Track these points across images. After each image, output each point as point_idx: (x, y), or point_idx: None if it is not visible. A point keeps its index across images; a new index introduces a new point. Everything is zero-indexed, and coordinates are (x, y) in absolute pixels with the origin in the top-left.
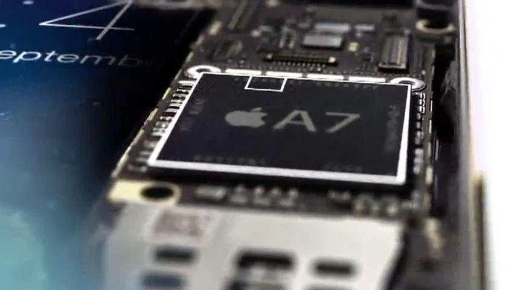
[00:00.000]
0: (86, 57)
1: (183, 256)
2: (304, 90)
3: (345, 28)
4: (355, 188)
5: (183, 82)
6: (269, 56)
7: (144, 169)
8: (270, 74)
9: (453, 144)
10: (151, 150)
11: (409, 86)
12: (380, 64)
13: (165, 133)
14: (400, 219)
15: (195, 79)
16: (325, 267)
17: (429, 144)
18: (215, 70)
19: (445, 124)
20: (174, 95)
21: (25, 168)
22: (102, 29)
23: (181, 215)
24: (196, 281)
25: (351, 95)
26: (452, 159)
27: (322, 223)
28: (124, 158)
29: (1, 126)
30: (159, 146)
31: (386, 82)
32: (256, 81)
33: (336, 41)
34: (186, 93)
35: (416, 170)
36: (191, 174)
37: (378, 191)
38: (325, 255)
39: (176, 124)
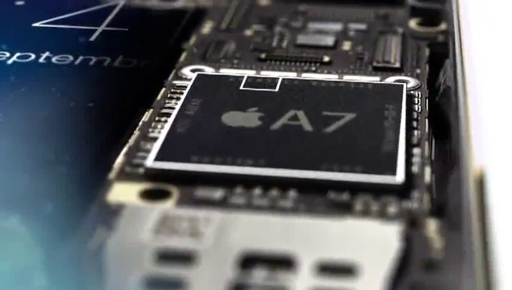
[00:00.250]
0: (81, 58)
1: (185, 258)
2: (300, 90)
3: (337, 26)
4: (355, 188)
5: (178, 82)
6: (263, 56)
7: (141, 170)
8: (265, 74)
9: (450, 142)
10: (148, 151)
11: (405, 84)
12: (375, 63)
13: (161, 134)
14: (400, 219)
15: (189, 79)
16: (328, 268)
17: (426, 143)
18: (209, 70)
19: (441, 122)
20: (168, 95)
21: (20, 170)
22: (95, 30)
23: (180, 217)
24: (198, 283)
25: (346, 94)
26: (449, 156)
27: (323, 224)
28: (120, 160)
29: None
30: (155, 147)
31: (380, 81)
32: (251, 81)
33: (329, 40)
34: (181, 93)
35: (415, 169)
36: (189, 176)
37: (378, 191)
38: (327, 256)
39: (172, 125)
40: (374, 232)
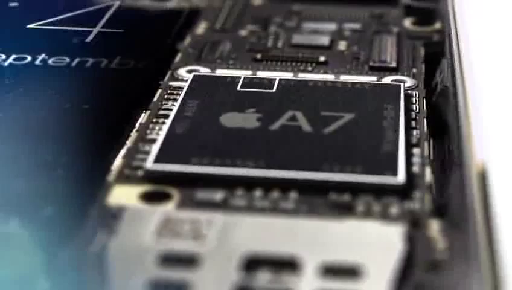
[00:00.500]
0: (77, 59)
1: (188, 261)
2: (297, 90)
3: (332, 26)
4: (356, 189)
5: (174, 83)
6: (258, 56)
7: (140, 173)
8: (261, 74)
9: (449, 141)
10: (147, 153)
11: (402, 84)
12: (371, 63)
13: (160, 135)
14: (402, 219)
15: (185, 80)
16: (332, 270)
17: (425, 143)
18: (205, 70)
19: (438, 122)
20: (165, 96)
21: (17, 173)
22: (91, 31)
23: (182, 220)
24: (202, 286)
25: (344, 94)
26: (448, 156)
27: (326, 225)
28: (119, 162)
29: None
30: (155, 149)
31: (377, 80)
32: (248, 82)
33: (325, 40)
34: (178, 94)
35: (415, 169)
36: (189, 177)
37: (379, 191)
38: (331, 257)
39: (171, 127)
40: (377, 233)
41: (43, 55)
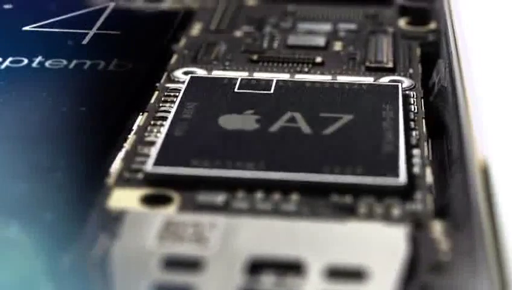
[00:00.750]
0: (75, 61)
1: (192, 265)
2: (295, 91)
3: (327, 27)
4: (357, 190)
5: (171, 85)
6: (254, 57)
7: (140, 176)
8: (257, 75)
9: (447, 141)
10: (146, 155)
11: (400, 85)
12: (367, 63)
13: (159, 138)
14: (405, 221)
15: (182, 82)
16: (337, 273)
17: (425, 144)
18: (201, 72)
19: (436, 122)
20: (162, 98)
21: (15, 177)
22: (87, 33)
23: (185, 223)
24: None
25: (342, 95)
26: (447, 156)
27: (329, 227)
28: (118, 165)
29: None
30: (154, 152)
31: (374, 81)
32: (246, 83)
33: (320, 41)
34: (175, 96)
35: (416, 170)
36: (190, 180)
37: (381, 192)
38: (336, 260)
39: (169, 129)
40: (380, 235)
41: (39, 58)
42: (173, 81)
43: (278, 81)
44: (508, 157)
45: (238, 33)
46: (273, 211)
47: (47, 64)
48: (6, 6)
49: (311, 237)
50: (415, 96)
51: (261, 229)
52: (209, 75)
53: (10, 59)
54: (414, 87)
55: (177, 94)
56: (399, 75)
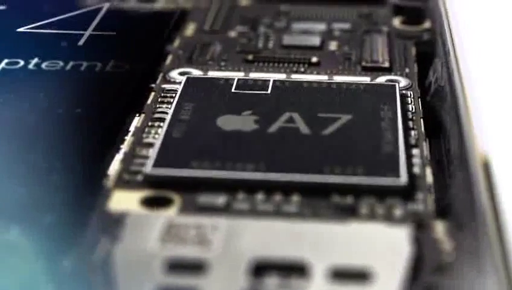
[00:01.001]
0: (71, 63)
1: (195, 267)
2: (292, 92)
3: (321, 26)
4: (358, 191)
5: (167, 86)
6: (250, 57)
7: (140, 177)
8: (254, 75)
9: (445, 140)
10: (144, 157)
11: (397, 84)
12: (363, 63)
13: (157, 139)
14: (407, 221)
15: (178, 82)
16: (341, 274)
17: (424, 143)
18: (197, 72)
19: (433, 122)
20: (159, 99)
21: (13, 180)
22: (82, 34)
23: (186, 225)
24: None
25: (339, 95)
26: (446, 155)
27: (331, 228)
28: (117, 166)
29: None
30: (153, 153)
31: (371, 81)
32: (242, 83)
33: (316, 41)
34: (171, 97)
35: (416, 170)
36: (190, 182)
37: (382, 193)
38: (340, 261)
39: (167, 130)
40: (384, 236)
41: (36, 59)
42: (169, 82)
43: (274, 81)
44: (509, 153)
45: (232, 33)
46: (275, 212)
47: (43, 65)
48: (0, 8)
49: (315, 238)
50: (412, 96)
51: (263, 230)
52: (205, 76)
53: (6, 61)
54: (411, 86)
55: (174, 95)
56: (395, 74)
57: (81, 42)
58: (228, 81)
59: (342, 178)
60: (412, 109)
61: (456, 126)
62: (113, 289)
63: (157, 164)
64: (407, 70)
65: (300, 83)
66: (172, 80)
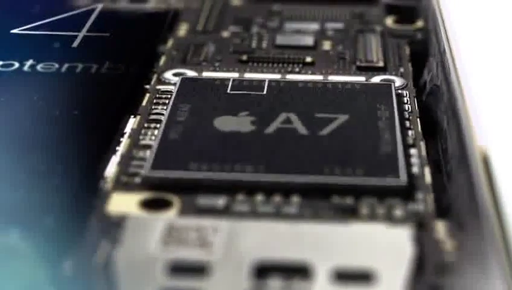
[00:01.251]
0: (66, 65)
1: (198, 270)
2: (288, 92)
3: (314, 26)
4: (358, 191)
5: (161, 87)
6: (244, 57)
7: (138, 180)
8: (248, 76)
9: (441, 140)
10: (142, 159)
11: (393, 84)
12: (358, 63)
13: (154, 141)
14: (408, 221)
15: (173, 83)
16: (344, 275)
17: (421, 143)
18: (191, 73)
19: (429, 121)
20: (154, 101)
21: (12, 183)
22: (76, 36)
23: (187, 227)
24: None
25: (335, 95)
26: (444, 155)
27: (333, 229)
28: (115, 169)
29: None
30: (151, 155)
31: (366, 81)
32: (238, 84)
33: (309, 40)
34: (167, 98)
35: (415, 170)
36: (189, 183)
37: (382, 193)
38: (343, 262)
39: (164, 132)
40: (385, 237)
41: (30, 61)
42: (164, 83)
43: (270, 81)
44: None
45: (225, 33)
46: (275, 213)
47: (38, 67)
48: None
49: (316, 239)
50: (408, 96)
51: (265, 232)
52: (200, 76)
53: (0, 63)
54: (406, 86)
55: (169, 96)
56: (390, 74)
57: (75, 44)
58: (223, 82)
59: (342, 179)
60: (408, 108)
61: (455, 124)
62: None
63: (155, 166)
64: (401, 69)
65: (295, 83)
66: (166, 81)
